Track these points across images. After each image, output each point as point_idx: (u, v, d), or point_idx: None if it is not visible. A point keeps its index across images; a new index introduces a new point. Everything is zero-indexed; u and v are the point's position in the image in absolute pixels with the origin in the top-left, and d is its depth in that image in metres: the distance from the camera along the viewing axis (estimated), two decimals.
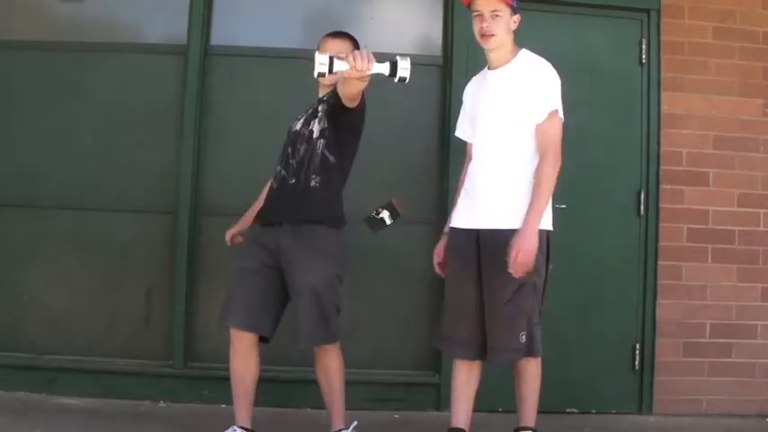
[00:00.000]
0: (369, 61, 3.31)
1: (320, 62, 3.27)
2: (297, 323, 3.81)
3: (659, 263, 5.21)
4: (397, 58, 3.29)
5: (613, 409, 5.17)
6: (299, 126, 3.96)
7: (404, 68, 3.28)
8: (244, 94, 5.17)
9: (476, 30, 3.82)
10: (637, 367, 5.20)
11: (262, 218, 3.98)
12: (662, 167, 5.25)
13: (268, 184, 4.09)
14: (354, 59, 3.31)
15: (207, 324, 5.01)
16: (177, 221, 5.07)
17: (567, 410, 5.10)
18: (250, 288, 3.84)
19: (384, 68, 3.30)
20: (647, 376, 5.19)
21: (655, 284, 5.20)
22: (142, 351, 5.08)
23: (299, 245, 3.79)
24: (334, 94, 3.75)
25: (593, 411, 5.14)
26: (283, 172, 3.91)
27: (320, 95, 3.99)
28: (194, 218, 5.10)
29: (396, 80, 3.31)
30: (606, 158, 5.26)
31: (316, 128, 3.86)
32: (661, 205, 5.23)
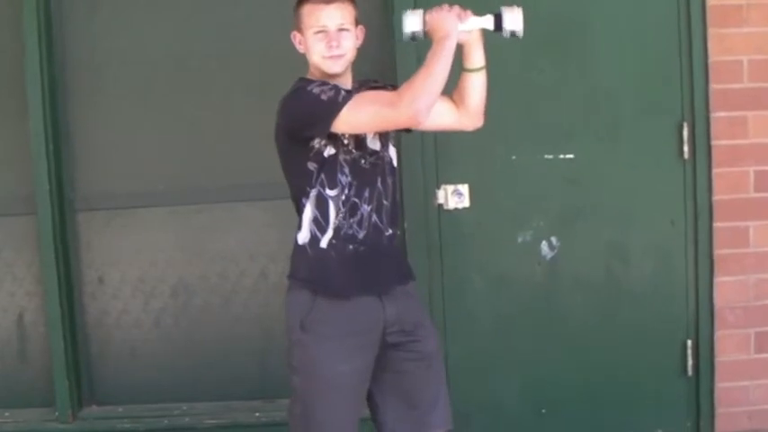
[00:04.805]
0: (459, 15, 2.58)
1: (411, 20, 2.60)
2: (431, 400, 2.75)
3: (715, 224, 3.69)
4: (503, 9, 2.64)
5: (659, 429, 3.79)
6: (378, 146, 2.68)
7: (512, 21, 2.62)
8: None
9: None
10: (690, 371, 3.76)
11: (358, 290, 2.67)
12: (711, 87, 3.64)
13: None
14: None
15: (101, 354, 3.90)
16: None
17: None
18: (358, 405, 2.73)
19: (486, 22, 2.64)
20: (705, 383, 3.76)
21: (710, 255, 3.71)
22: (17, 398, 3.91)
23: (414, 304, 2.79)
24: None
25: None
26: (376, 218, 2.65)
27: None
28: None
29: (506, 35, 2.64)
30: (628, 80, 3.69)
31: (393, 153, 2.78)
32: (713, 142, 3.66)
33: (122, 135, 3.81)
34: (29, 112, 3.70)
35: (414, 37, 2.62)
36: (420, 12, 2.61)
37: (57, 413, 3.82)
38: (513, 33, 2.62)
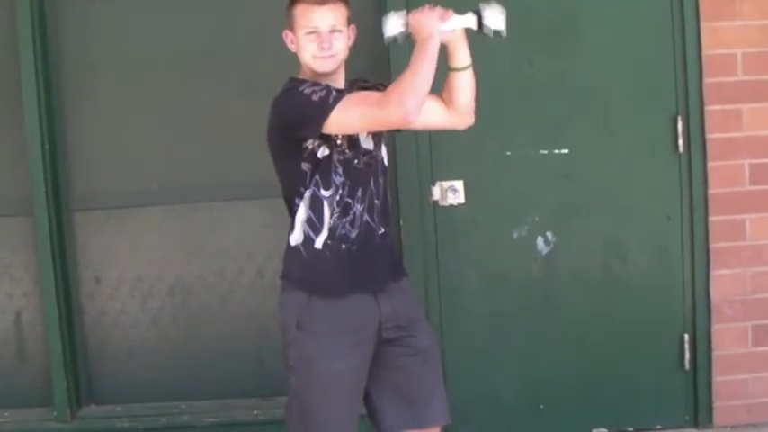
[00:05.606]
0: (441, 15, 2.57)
1: (392, 23, 2.59)
2: (427, 395, 2.75)
3: (710, 218, 3.68)
4: (481, 6, 2.61)
5: (657, 424, 3.80)
6: (372, 145, 2.68)
7: (493, 19, 2.58)
8: None
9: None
10: (687, 365, 3.76)
11: (353, 289, 2.67)
12: (705, 80, 3.63)
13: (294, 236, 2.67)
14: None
15: (99, 353, 3.90)
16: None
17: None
18: (356, 402, 2.71)
19: (469, 21, 2.60)
20: (703, 377, 3.75)
21: (706, 249, 3.70)
22: (16, 398, 3.90)
23: (408, 299, 2.79)
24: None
25: (630, 430, 3.80)
26: (367, 217, 2.65)
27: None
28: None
29: (489, 34, 2.61)
30: (622, 75, 3.68)
31: (384, 153, 2.77)
32: (708, 136, 3.65)
33: (118, 134, 3.80)
34: (24, 112, 3.68)
35: (396, 39, 2.61)
36: (402, 13, 2.60)
37: (55, 413, 3.81)
38: (496, 33, 2.60)
